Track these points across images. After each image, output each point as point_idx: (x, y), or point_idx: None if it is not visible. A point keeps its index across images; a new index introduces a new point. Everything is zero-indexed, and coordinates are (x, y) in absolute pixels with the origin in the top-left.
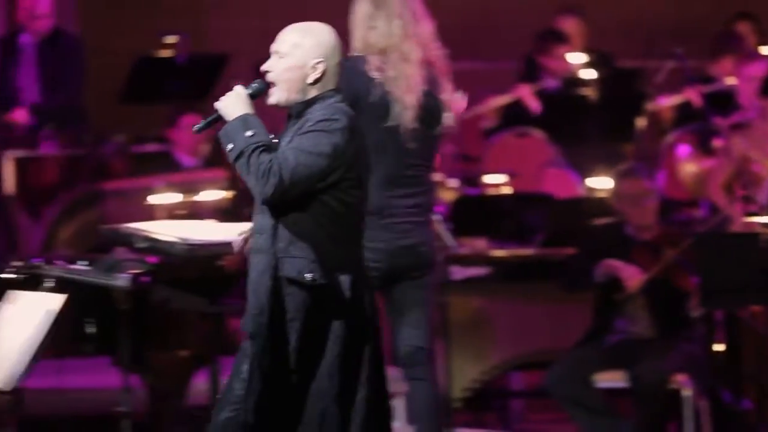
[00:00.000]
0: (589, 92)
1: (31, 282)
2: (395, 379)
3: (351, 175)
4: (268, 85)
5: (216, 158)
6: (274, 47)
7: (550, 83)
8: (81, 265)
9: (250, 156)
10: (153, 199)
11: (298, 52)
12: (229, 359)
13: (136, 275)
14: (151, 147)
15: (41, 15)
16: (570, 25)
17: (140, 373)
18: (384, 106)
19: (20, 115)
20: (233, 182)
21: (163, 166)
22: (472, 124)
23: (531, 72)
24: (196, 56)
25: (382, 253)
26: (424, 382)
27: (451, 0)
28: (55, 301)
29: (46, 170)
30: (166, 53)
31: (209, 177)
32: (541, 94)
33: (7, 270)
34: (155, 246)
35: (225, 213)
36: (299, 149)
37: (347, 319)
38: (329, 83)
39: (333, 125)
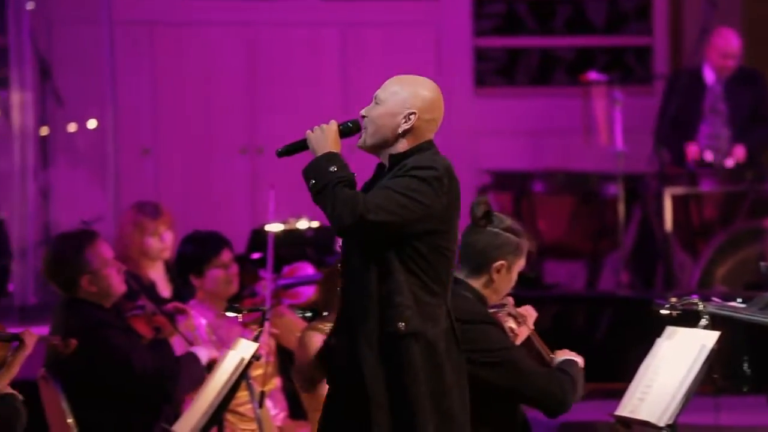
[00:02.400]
0: None
1: (688, 318)
2: None
3: (443, 227)
4: (361, 127)
5: None
6: (377, 93)
7: None
8: (737, 303)
9: (334, 188)
10: None
11: (394, 100)
12: None
13: None
14: None
15: (732, 55)
16: None
17: None
18: None
19: (692, 151)
20: None
21: None
22: None
23: None
24: None
25: None
26: None
27: None
28: (710, 338)
29: (705, 207)
30: None
31: None
32: None
33: (665, 306)
34: None
35: None
36: (389, 188)
37: (440, 371)
38: (423, 136)
39: (427, 173)
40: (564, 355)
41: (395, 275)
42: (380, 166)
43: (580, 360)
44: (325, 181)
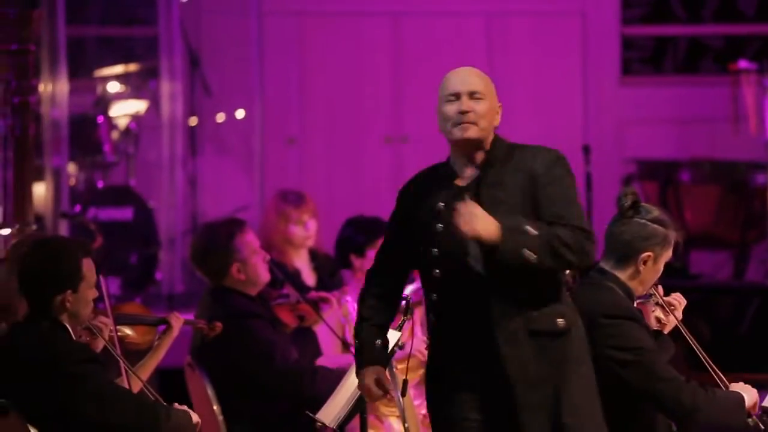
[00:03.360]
0: None
1: None
2: None
3: None
4: None
5: None
6: (471, 89)
7: None
8: None
9: (555, 243)
10: None
11: (491, 96)
12: None
13: None
14: None
15: None
16: None
17: None
18: None
19: None
20: None
21: None
22: None
23: None
24: None
25: None
26: None
27: None
28: None
29: None
30: None
31: None
32: None
33: None
34: None
35: None
36: (569, 200)
37: (589, 355)
38: None
39: (564, 162)
40: (737, 388)
41: (542, 272)
42: (447, 165)
43: (748, 393)
44: (539, 244)
